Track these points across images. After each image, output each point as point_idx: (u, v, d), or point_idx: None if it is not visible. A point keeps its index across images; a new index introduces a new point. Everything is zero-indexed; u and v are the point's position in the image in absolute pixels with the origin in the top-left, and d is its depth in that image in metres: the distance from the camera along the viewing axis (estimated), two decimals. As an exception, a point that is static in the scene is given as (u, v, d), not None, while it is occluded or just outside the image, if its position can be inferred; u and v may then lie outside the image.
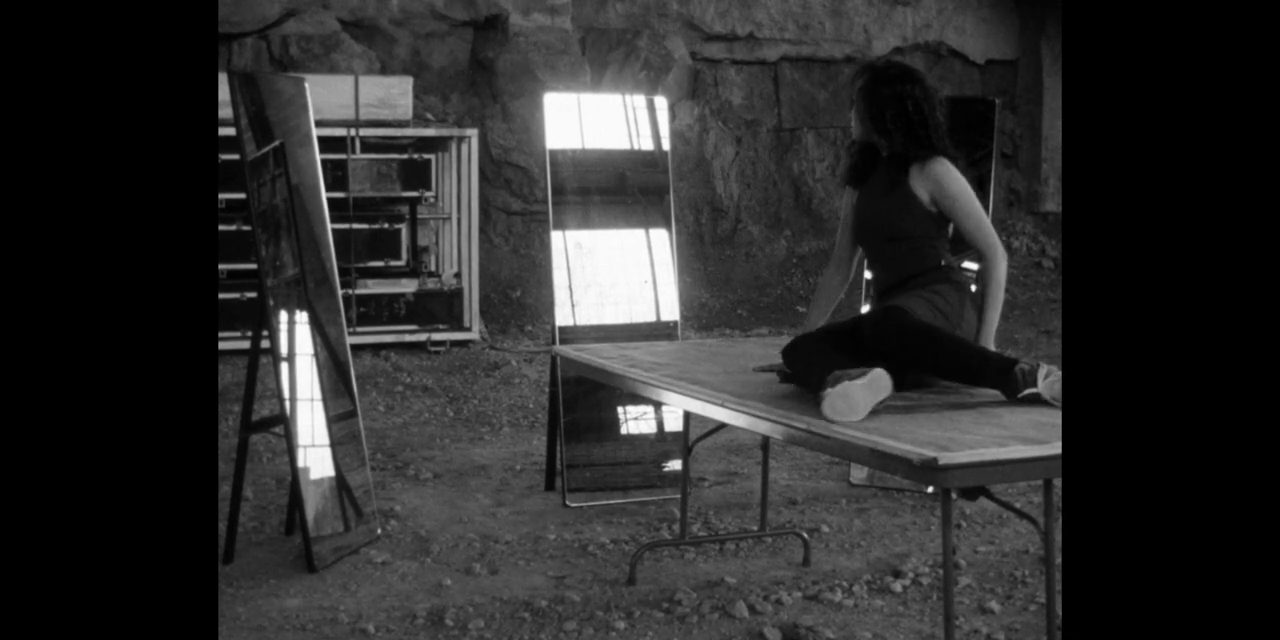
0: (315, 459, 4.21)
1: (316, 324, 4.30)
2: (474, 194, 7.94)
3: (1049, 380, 3.26)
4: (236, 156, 4.09)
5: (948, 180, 3.70)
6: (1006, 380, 3.30)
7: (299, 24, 8.49)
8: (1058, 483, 2.90)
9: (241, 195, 4.42)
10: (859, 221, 3.87)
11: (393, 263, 7.75)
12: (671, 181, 5.26)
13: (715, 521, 4.67)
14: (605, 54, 9.33)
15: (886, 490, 5.00)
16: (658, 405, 4.90)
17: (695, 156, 9.62)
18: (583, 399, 5.02)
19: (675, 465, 4.95)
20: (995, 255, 3.72)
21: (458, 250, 7.96)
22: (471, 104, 8.95)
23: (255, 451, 5.25)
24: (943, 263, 3.73)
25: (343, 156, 7.46)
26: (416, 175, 7.73)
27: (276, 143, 4.23)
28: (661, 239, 5.21)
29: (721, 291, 9.38)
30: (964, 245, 3.83)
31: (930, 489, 4.76)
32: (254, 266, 4.23)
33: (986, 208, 5.11)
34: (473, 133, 7.90)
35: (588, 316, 5.09)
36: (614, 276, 5.13)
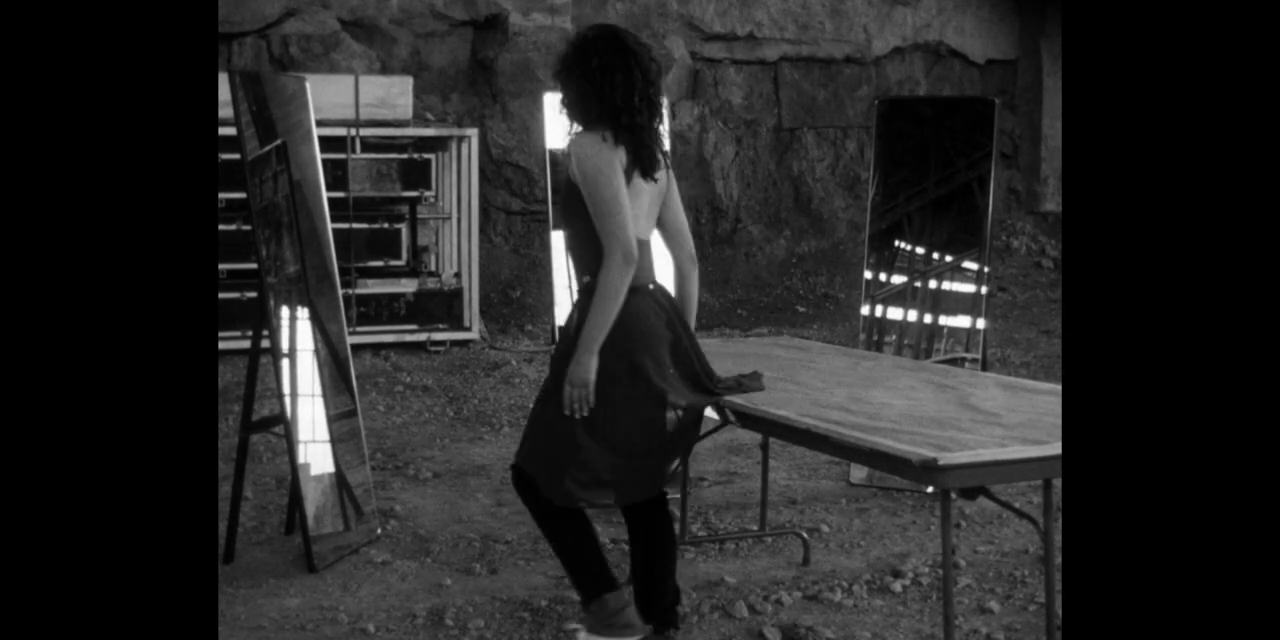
0: (315, 455, 4.21)
1: (317, 320, 4.30)
2: (474, 194, 7.93)
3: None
4: (237, 156, 4.09)
5: (575, 159, 3.07)
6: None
7: (299, 24, 8.49)
8: (1057, 483, 2.90)
9: (242, 195, 4.42)
10: None
11: (393, 262, 7.74)
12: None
13: (715, 521, 4.67)
14: (605, 54, 9.32)
15: (886, 490, 4.99)
16: (657, 405, 4.88)
17: (695, 156, 9.61)
18: (583, 399, 5.00)
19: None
20: (610, 258, 3.07)
21: (458, 250, 7.95)
22: (471, 104, 8.95)
23: (255, 451, 5.25)
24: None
25: (343, 156, 7.45)
26: (416, 175, 7.73)
27: (279, 142, 4.23)
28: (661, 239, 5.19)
29: (721, 291, 9.37)
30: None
31: (930, 489, 4.76)
32: (254, 266, 4.23)
33: (986, 208, 5.12)
34: (472, 132, 7.89)
35: (588, 316, 5.07)
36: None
